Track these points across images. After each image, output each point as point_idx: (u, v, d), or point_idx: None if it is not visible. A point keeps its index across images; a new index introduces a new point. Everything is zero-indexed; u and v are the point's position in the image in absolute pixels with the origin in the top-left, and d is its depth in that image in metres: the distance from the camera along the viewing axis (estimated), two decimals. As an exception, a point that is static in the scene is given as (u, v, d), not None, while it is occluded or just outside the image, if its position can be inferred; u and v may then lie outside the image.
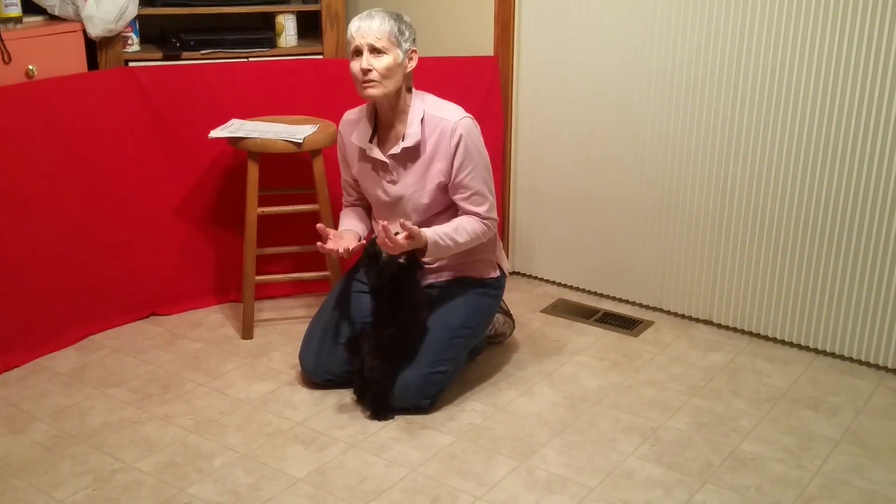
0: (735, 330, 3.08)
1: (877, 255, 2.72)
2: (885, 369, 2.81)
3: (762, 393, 2.69)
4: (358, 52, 2.50)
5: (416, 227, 2.44)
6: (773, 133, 2.82)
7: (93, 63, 3.23)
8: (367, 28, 2.49)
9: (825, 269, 2.83)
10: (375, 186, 2.67)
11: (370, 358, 2.50)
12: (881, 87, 2.59)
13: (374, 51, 2.48)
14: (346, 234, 2.65)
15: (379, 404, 2.54)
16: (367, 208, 2.83)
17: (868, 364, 2.84)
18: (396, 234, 2.43)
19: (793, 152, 2.79)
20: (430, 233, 2.50)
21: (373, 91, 2.50)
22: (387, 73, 2.49)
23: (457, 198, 2.60)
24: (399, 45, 2.51)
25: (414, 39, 2.55)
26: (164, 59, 3.36)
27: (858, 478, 2.28)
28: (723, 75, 2.86)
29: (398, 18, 2.52)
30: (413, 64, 2.57)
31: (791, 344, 2.97)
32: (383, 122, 2.62)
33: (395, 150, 2.58)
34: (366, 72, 2.48)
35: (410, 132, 2.56)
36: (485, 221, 2.60)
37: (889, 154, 2.62)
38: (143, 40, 3.41)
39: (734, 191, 2.94)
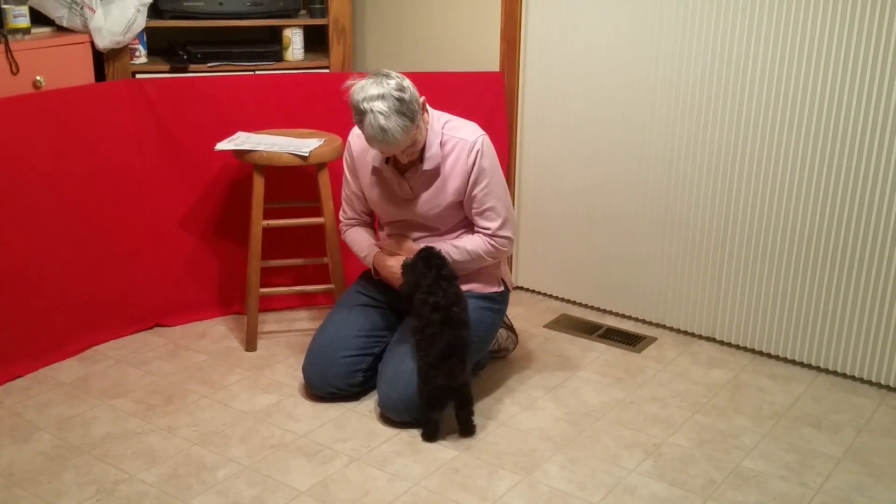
0: (737, 347, 3.09)
1: (880, 274, 2.73)
2: (888, 388, 2.81)
3: (764, 410, 2.69)
4: None
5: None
6: (776, 152, 2.83)
7: (100, 75, 3.25)
8: (393, 145, 2.42)
9: (828, 287, 2.84)
10: (388, 205, 2.68)
11: (458, 373, 2.45)
12: (885, 109, 2.60)
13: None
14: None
15: (471, 418, 2.54)
16: (368, 224, 2.84)
17: (870, 382, 2.84)
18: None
19: (795, 172, 2.81)
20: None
21: (414, 157, 2.55)
22: (420, 145, 2.53)
23: (471, 213, 2.62)
24: (417, 124, 2.44)
25: (417, 98, 2.43)
26: (172, 71, 3.38)
27: (860, 496, 2.28)
28: (727, 95, 2.88)
29: (402, 104, 2.37)
30: (424, 113, 2.53)
31: (794, 362, 2.98)
32: None
33: (415, 172, 2.59)
34: (408, 158, 2.53)
35: (430, 155, 2.56)
36: (493, 239, 2.62)
37: (892, 175, 2.64)
38: (151, 52, 3.43)
39: (737, 209, 2.95)
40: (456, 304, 2.48)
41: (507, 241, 2.65)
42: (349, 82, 2.45)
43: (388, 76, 2.40)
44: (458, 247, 2.61)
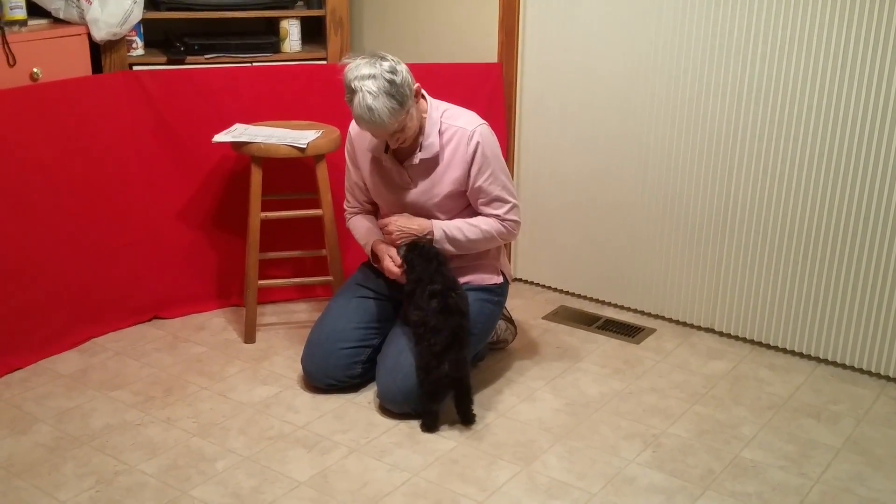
0: (737, 338, 3.09)
1: (879, 264, 2.73)
2: (887, 378, 2.81)
3: (764, 401, 2.69)
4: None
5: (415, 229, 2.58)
6: (775, 142, 2.83)
7: (97, 66, 3.23)
8: (380, 126, 2.41)
9: (827, 278, 2.84)
10: (388, 193, 2.68)
11: (460, 365, 2.46)
12: (885, 97, 2.60)
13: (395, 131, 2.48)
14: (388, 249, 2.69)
15: (472, 407, 2.55)
16: (372, 213, 2.84)
17: (870, 373, 2.84)
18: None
19: (795, 161, 2.80)
20: (437, 226, 2.60)
21: (405, 144, 2.54)
22: (411, 132, 2.51)
23: (478, 203, 2.63)
24: (407, 109, 2.43)
25: (411, 84, 2.43)
26: (169, 63, 3.37)
27: (860, 486, 2.29)
28: (726, 84, 2.87)
29: (392, 86, 2.37)
30: (420, 100, 2.53)
31: (793, 352, 2.98)
32: None
33: (413, 160, 2.58)
34: (398, 143, 2.52)
35: (428, 143, 2.56)
36: (504, 223, 2.62)
37: (893, 163, 2.63)
38: (148, 44, 3.41)
39: (736, 199, 2.95)
40: (454, 290, 2.48)
41: (516, 225, 2.66)
42: (345, 60, 2.46)
43: (383, 58, 2.42)
44: (473, 225, 2.61)
